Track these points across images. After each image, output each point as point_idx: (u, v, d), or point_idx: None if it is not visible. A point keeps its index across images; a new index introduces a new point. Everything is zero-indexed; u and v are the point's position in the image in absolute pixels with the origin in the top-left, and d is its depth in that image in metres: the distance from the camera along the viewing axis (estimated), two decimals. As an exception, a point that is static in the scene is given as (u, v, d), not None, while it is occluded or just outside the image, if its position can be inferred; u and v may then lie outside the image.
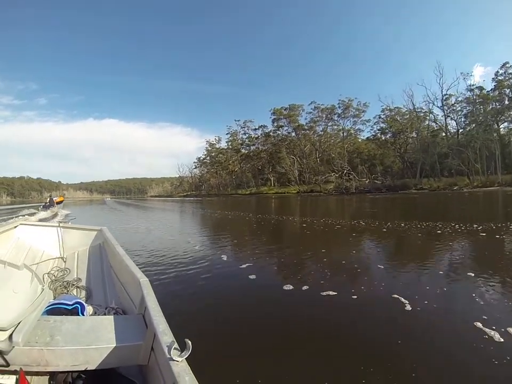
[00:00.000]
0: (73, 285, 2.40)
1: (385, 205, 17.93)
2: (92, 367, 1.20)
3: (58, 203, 18.19)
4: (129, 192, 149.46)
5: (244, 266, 4.15)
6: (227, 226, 9.97)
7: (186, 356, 0.95)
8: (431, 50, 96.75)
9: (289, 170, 54.72)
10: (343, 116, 54.89)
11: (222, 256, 4.84)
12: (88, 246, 3.17)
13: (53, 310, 1.54)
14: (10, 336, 1.10)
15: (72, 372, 1.24)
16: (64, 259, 3.05)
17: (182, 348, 0.97)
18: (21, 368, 1.12)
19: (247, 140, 68.43)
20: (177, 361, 0.93)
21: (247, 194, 58.08)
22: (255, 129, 66.92)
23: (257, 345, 2.06)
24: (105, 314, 1.74)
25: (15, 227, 3.19)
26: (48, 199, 17.07)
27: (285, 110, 58.59)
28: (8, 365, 1.14)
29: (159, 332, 1.10)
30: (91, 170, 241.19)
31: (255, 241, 6.42)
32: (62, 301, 1.61)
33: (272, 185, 63.25)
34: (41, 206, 16.82)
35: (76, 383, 1.28)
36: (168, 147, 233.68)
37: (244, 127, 68.20)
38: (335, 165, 50.85)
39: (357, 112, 53.72)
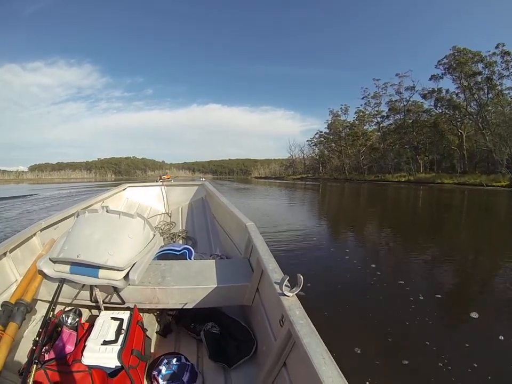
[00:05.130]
0: (179, 236, 2.61)
1: None
2: (198, 305, 1.28)
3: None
4: (232, 172, 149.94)
5: None
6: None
7: (297, 292, 0.92)
8: None
9: (496, 149, 33.16)
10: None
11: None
12: (191, 200, 3.49)
13: (163, 256, 1.64)
14: (126, 276, 1.20)
15: (179, 309, 1.33)
16: (169, 214, 3.38)
17: (292, 285, 0.94)
18: (135, 305, 1.24)
19: (397, 104, 47.85)
20: (288, 296, 0.91)
21: (402, 182, 39.96)
22: (411, 88, 46.28)
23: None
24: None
25: (124, 189, 3.53)
26: (159, 178, 15.51)
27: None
28: (123, 302, 1.28)
29: (269, 270, 1.07)
30: (194, 151, 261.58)
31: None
32: (171, 247, 1.73)
33: (425, 170, 42.73)
34: (154, 182, 14.29)
35: (182, 319, 1.40)
36: (271, 129, 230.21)
37: (392, 85, 47.80)
38: None
39: None
